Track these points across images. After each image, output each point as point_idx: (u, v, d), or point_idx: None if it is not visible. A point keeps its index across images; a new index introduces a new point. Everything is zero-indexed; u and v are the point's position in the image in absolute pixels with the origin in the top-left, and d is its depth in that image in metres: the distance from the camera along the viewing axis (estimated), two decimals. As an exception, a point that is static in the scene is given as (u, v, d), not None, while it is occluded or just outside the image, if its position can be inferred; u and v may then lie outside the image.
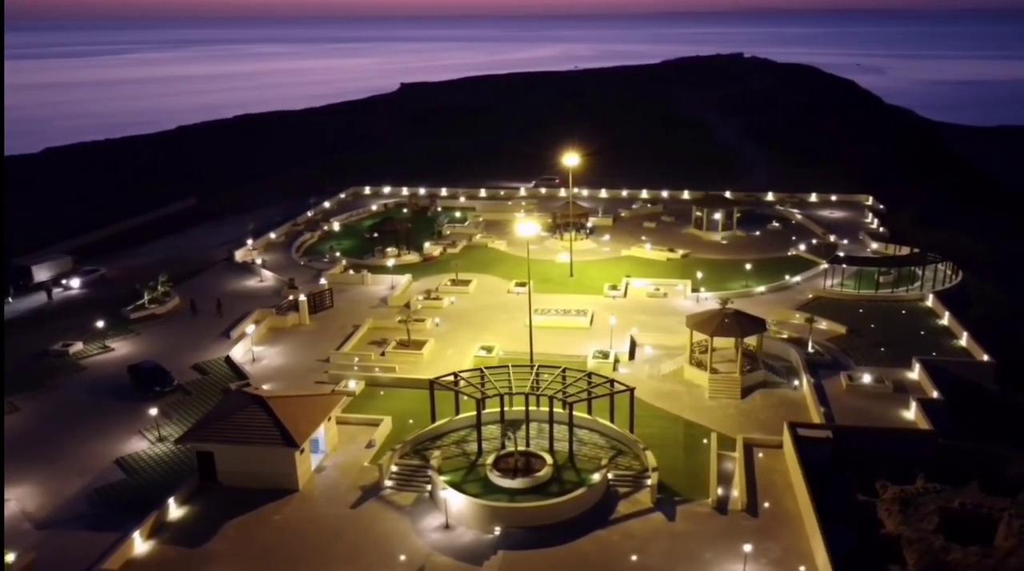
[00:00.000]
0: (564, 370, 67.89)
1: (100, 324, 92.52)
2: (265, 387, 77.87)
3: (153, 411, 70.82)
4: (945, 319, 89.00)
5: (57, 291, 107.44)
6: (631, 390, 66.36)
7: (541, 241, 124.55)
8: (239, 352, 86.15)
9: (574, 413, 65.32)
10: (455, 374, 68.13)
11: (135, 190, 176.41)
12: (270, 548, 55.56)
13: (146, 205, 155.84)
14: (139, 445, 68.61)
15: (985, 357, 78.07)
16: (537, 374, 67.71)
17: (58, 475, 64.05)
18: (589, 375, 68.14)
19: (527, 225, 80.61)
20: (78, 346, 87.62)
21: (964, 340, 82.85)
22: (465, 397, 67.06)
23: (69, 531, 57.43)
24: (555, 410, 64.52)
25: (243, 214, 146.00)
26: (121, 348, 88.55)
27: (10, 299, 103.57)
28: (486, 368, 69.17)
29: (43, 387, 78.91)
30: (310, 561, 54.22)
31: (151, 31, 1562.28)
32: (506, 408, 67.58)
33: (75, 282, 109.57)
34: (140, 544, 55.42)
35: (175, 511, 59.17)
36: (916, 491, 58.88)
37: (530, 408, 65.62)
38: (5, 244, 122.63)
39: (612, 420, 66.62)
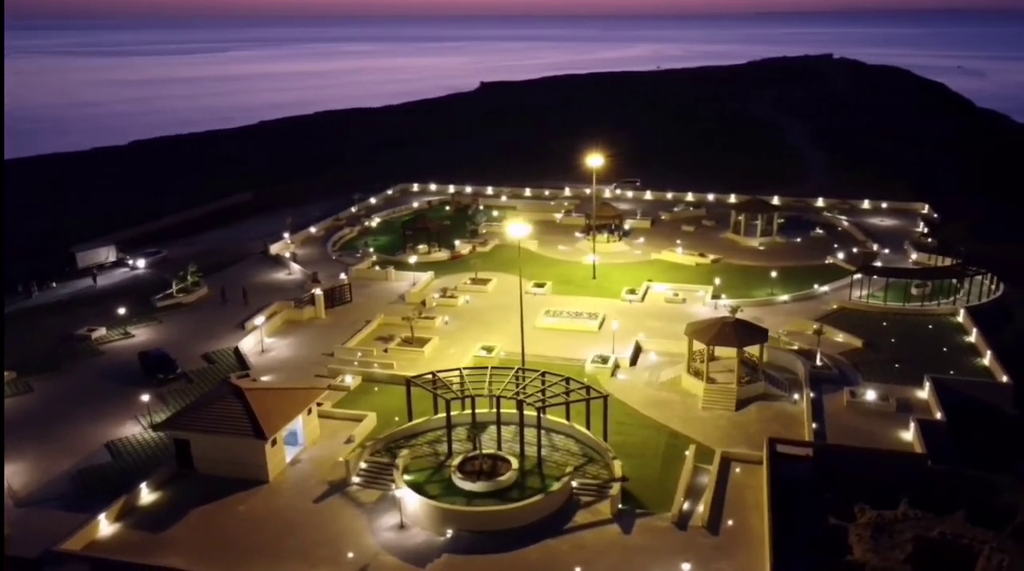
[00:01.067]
0: (543, 374, 66.79)
1: (122, 311, 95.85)
2: (264, 378, 79.52)
3: (145, 397, 72.74)
4: (973, 336, 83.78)
5: (123, 270, 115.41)
6: (604, 397, 64.83)
7: (573, 242, 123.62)
8: (250, 343, 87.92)
9: (550, 418, 64.52)
10: (433, 374, 67.75)
11: (205, 182, 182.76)
12: (229, 537, 56.44)
13: (212, 196, 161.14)
14: (133, 430, 70.69)
15: (1004, 378, 73.21)
16: (516, 377, 66.74)
17: (49, 455, 66.58)
18: (567, 380, 66.67)
19: (518, 226, 79.22)
20: (101, 331, 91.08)
21: (987, 359, 77.95)
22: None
23: (46, 509, 59.59)
24: (527, 414, 63.46)
25: (295, 208, 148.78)
26: (141, 335, 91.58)
27: (53, 284, 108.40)
28: (465, 369, 68.57)
29: (58, 370, 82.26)
30: (263, 553, 54.82)
31: (248, 30, 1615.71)
32: (484, 410, 66.83)
33: (140, 262, 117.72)
34: (106, 526, 57.09)
35: (147, 496, 60.69)
36: (894, 517, 55.69)
37: (504, 411, 64.81)
38: (64, 234, 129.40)
39: (588, 426, 65.15)
